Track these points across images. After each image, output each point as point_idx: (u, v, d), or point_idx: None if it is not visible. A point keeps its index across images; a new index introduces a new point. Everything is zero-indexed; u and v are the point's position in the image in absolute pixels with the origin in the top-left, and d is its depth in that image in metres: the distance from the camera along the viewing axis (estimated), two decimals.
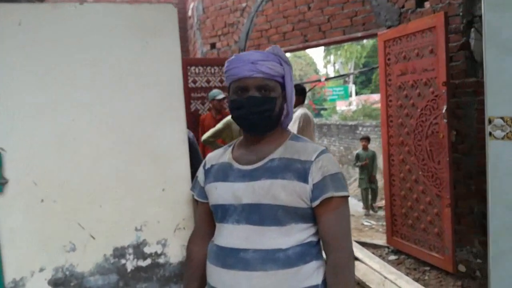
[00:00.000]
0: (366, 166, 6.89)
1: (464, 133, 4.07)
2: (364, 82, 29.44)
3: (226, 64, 1.41)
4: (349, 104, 24.83)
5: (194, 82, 5.49)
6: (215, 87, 5.55)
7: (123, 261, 1.60)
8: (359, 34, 4.88)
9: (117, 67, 1.55)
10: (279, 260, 1.28)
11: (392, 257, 4.44)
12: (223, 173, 1.41)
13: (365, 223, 6.16)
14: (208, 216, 1.51)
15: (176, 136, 1.63)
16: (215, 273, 1.36)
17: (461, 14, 3.96)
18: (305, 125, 4.24)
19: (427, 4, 4.24)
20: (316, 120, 19.17)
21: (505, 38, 1.05)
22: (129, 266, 1.61)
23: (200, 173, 1.53)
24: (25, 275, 1.53)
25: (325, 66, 31.26)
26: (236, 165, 1.40)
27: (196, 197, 1.54)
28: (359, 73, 22.58)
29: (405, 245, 4.38)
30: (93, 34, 1.52)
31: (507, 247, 1.03)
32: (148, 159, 1.61)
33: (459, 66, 4.05)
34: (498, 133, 1.00)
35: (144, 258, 1.62)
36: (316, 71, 32.52)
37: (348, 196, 1.35)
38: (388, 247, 4.66)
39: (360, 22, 4.82)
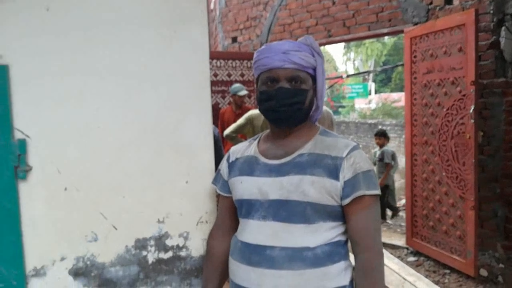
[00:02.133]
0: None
1: (490, 134, 3.96)
2: (384, 81, 29.10)
3: (255, 54, 1.36)
4: (368, 102, 24.57)
5: (215, 75, 5.46)
6: (236, 81, 5.51)
7: (144, 252, 1.58)
8: (385, 31, 4.79)
9: (143, 56, 1.51)
10: (307, 259, 1.24)
11: (411, 259, 4.36)
12: (249, 167, 1.38)
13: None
14: (230, 211, 1.48)
15: (201, 128, 1.59)
16: (240, 271, 1.32)
17: (491, 12, 3.85)
18: (328, 123, 4.19)
19: (456, 1, 4.13)
20: (335, 118, 19.01)
21: None
22: (150, 258, 1.59)
23: (224, 166, 1.49)
24: (46, 263, 1.52)
25: (345, 63, 30.97)
26: (263, 159, 1.36)
27: (218, 191, 1.51)
28: (380, 71, 22.30)
29: (425, 247, 4.30)
30: (120, 22, 1.49)
31: None
32: (173, 150, 1.57)
33: (487, 66, 3.94)
34: None
35: (166, 251, 1.60)
36: (336, 68, 32.24)
37: (379, 195, 1.30)
38: (407, 248, 4.59)
39: (386, 18, 4.72)
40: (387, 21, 4.71)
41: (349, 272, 1.30)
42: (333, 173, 1.26)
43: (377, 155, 6.35)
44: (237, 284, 1.32)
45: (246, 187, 1.35)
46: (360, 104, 25.08)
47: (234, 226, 1.46)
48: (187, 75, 1.55)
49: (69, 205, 1.51)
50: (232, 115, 5.02)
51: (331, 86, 22.20)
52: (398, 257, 4.39)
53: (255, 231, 1.31)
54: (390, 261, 4.02)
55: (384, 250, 4.04)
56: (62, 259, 1.52)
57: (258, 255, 1.27)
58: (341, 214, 1.29)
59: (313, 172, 1.26)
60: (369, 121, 14.34)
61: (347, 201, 1.25)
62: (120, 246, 1.56)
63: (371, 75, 27.65)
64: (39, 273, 1.51)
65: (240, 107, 5.03)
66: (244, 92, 4.92)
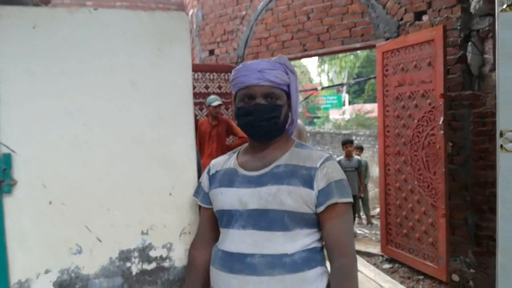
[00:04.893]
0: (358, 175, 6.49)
1: (460, 144, 4.14)
2: (357, 92, 29.63)
3: (233, 73, 1.44)
4: (342, 113, 24.98)
5: (193, 87, 5.51)
6: (213, 93, 5.57)
7: (128, 264, 1.61)
8: (358, 45, 4.95)
9: (129, 73, 1.56)
10: (286, 265, 1.31)
11: (386, 266, 4.47)
12: (229, 179, 1.44)
13: (358, 232, 6.19)
14: (211, 222, 1.53)
15: (185, 143, 1.65)
16: (221, 279, 1.38)
17: (459, 28, 4.05)
18: (298, 135, 4.35)
19: (425, 17, 4.32)
20: (309, 129, 19.27)
21: None
22: (134, 270, 1.62)
23: (204, 179, 1.55)
24: (30, 276, 1.53)
25: (319, 75, 31.40)
26: (242, 171, 1.43)
27: (199, 203, 1.56)
28: (354, 83, 22.73)
29: (399, 254, 4.43)
30: (107, 40, 1.53)
31: None
32: (157, 164, 1.62)
33: (456, 79, 4.12)
34: (510, 146, 1.03)
35: (149, 262, 1.63)
36: (310, 80, 32.66)
37: (352, 203, 1.38)
38: (382, 256, 4.71)
39: (359, 33, 4.89)
40: (359, 36, 4.88)
41: (325, 277, 1.36)
42: (308, 183, 1.33)
43: (351, 164, 6.31)
44: None
45: (226, 198, 1.41)
46: (334, 115, 25.48)
47: (215, 236, 1.51)
48: (172, 92, 1.61)
49: (54, 218, 1.53)
50: (209, 127, 5.07)
51: (306, 98, 22.49)
52: (374, 264, 4.50)
53: (235, 240, 1.37)
54: (366, 269, 4.12)
55: (360, 258, 4.13)
56: (47, 271, 1.54)
57: (239, 263, 1.33)
58: (316, 222, 1.36)
59: (289, 182, 1.34)
60: (344, 132, 14.60)
61: (321, 208, 1.33)
62: (104, 258, 1.59)
63: (344, 86, 28.12)
64: (23, 286, 1.52)
65: (215, 118, 5.09)
66: (217, 103, 4.98)
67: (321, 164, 1.36)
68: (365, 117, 19.45)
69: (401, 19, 4.51)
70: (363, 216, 6.91)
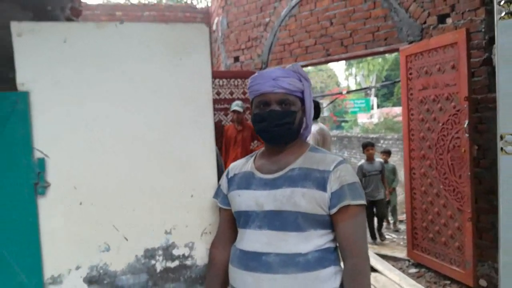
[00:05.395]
0: (386, 178, 6.33)
1: (485, 147, 4.08)
2: (386, 95, 29.26)
3: (249, 81, 1.51)
4: (370, 116, 24.69)
5: (218, 94, 5.63)
6: (238, 98, 5.68)
7: (153, 261, 1.71)
8: (381, 49, 4.95)
9: (152, 82, 1.66)
10: (299, 264, 1.36)
11: (413, 270, 4.44)
12: (246, 182, 1.51)
13: (386, 236, 6.14)
14: (230, 222, 1.60)
15: (205, 147, 1.73)
16: (238, 276, 1.45)
17: (483, 30, 4.00)
18: (322, 140, 4.36)
19: (449, 20, 4.30)
20: (336, 133, 19.16)
21: None
22: (159, 267, 1.71)
23: (223, 181, 1.63)
24: (62, 272, 1.65)
25: (347, 79, 31.20)
26: (258, 174, 1.49)
27: (219, 204, 1.64)
28: (381, 86, 22.46)
29: (425, 259, 4.39)
30: (131, 51, 1.64)
31: None
32: (179, 167, 1.71)
33: (481, 81, 4.07)
34: (510, 148, 1.06)
35: (173, 260, 1.72)
36: (338, 84, 32.47)
37: (365, 205, 1.43)
38: (408, 260, 4.67)
39: (382, 37, 4.89)
40: (383, 39, 4.88)
41: (339, 277, 1.41)
42: (321, 185, 1.39)
43: (374, 167, 6.09)
44: None
45: (244, 200, 1.49)
46: (362, 118, 25.22)
47: (234, 236, 1.58)
48: (192, 99, 1.70)
49: (84, 218, 1.65)
50: (234, 132, 5.17)
51: (331, 102, 22.34)
52: (400, 269, 4.47)
53: (252, 239, 1.44)
54: (392, 273, 4.11)
55: (385, 262, 4.12)
56: (78, 268, 1.66)
57: (255, 261, 1.40)
58: (329, 223, 1.42)
59: (303, 184, 1.40)
60: (371, 136, 14.44)
61: (334, 210, 1.38)
62: (130, 256, 1.69)
63: (373, 90, 27.80)
64: (56, 281, 1.64)
65: (240, 123, 5.18)
66: (236, 108, 5.06)
67: (334, 167, 1.41)
68: (393, 121, 19.18)
69: (424, 22, 4.49)
70: (392, 221, 6.81)
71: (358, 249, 1.39)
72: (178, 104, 1.69)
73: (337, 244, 1.46)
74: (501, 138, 1.11)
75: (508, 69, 1.13)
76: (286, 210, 1.39)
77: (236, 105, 5.11)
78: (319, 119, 4.57)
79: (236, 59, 6.48)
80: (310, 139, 4.43)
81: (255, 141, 5.45)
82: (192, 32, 1.68)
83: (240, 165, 1.61)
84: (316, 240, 1.40)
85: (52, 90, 1.61)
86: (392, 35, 4.78)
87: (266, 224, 1.42)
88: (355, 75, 29.59)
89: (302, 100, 1.51)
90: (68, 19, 2.51)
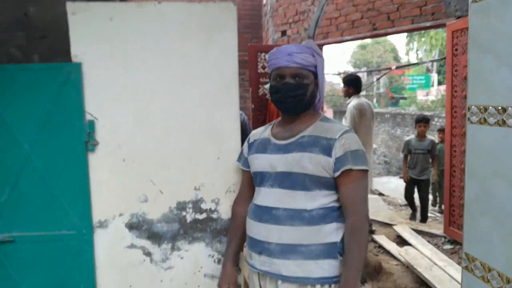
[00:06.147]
0: (438, 159, 5.85)
1: None
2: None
3: (268, 56, 1.69)
4: (426, 94, 23.78)
5: (263, 67, 5.79)
6: None
7: (184, 213, 1.97)
8: (428, 24, 4.87)
9: (185, 57, 1.88)
10: (305, 219, 1.55)
11: (448, 247, 4.48)
12: (263, 147, 1.71)
13: (429, 215, 6.09)
14: (250, 182, 1.81)
15: (230, 117, 1.94)
16: (253, 227, 1.66)
17: None
18: (359, 114, 4.40)
19: None
20: (390, 110, 18.64)
21: (483, 40, 1.21)
22: (189, 218, 1.97)
23: (245, 146, 1.84)
24: (108, 218, 1.94)
25: (407, 54, 30.03)
26: (274, 140, 1.68)
27: (241, 166, 1.85)
28: (432, 61, 21.45)
29: (461, 236, 4.40)
30: (167, 28, 1.86)
31: (477, 210, 1.20)
32: (207, 134, 1.94)
33: None
34: (474, 118, 1.17)
35: (201, 213, 1.97)
36: (397, 59, 31.30)
37: (366, 171, 1.58)
38: (444, 237, 4.70)
39: (429, 12, 4.81)
40: (430, 14, 4.79)
41: (340, 232, 1.58)
42: (327, 151, 1.55)
43: (422, 145, 5.71)
44: (251, 237, 1.66)
45: (260, 162, 1.69)
46: (421, 96, 24.32)
47: (252, 194, 1.79)
48: (219, 73, 1.91)
49: (127, 173, 1.92)
50: (272, 105, 5.33)
51: (380, 78, 21.65)
52: (435, 245, 4.52)
53: (265, 196, 1.64)
54: (424, 247, 4.17)
55: (419, 237, 4.18)
56: (120, 215, 1.95)
57: (266, 214, 1.61)
58: (334, 185, 1.58)
59: (311, 150, 1.57)
60: (426, 113, 14.03)
61: (337, 173, 1.54)
62: (165, 207, 1.96)
63: (435, 66, 26.62)
64: (102, 225, 1.94)
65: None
66: (264, 90, 5.08)
67: (340, 136, 1.57)
68: None
69: None
70: (439, 203, 6.49)
71: (358, 209, 1.55)
72: (208, 78, 1.90)
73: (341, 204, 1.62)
74: (469, 109, 1.21)
75: (477, 50, 1.22)
76: (295, 172, 1.58)
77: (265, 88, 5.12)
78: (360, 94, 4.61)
79: (284, 33, 6.57)
80: (347, 113, 4.52)
81: None
82: (221, 11, 1.87)
83: (259, 132, 1.81)
84: (321, 199, 1.58)
85: (101, 61, 1.87)
86: (440, 9, 4.68)
87: (278, 184, 1.61)
88: (417, 50, 28.41)
89: (315, 74, 1.66)
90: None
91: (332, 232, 1.57)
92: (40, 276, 1.96)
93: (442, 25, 4.76)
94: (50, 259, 1.95)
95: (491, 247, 1.19)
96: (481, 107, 1.17)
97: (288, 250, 1.54)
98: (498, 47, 1.16)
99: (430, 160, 5.82)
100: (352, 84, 4.61)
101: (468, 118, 1.20)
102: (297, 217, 1.56)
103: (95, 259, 1.95)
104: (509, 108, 1.11)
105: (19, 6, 2.76)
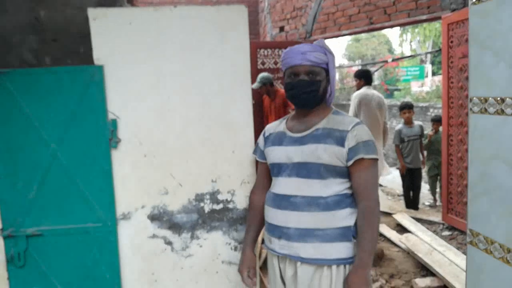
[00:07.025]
0: (436, 150, 5.79)
1: None
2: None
3: (282, 55, 1.80)
4: (421, 85, 23.92)
5: (263, 63, 5.91)
6: (280, 69, 5.89)
7: (202, 204, 2.09)
8: (424, 17, 5.00)
9: (201, 56, 2.00)
10: (321, 205, 1.68)
11: (446, 233, 4.63)
12: (279, 139, 1.83)
13: (426, 203, 6.24)
14: (266, 173, 1.94)
15: (244, 111, 2.07)
16: (272, 213, 1.79)
17: None
18: (361, 105, 4.58)
19: None
20: (386, 101, 18.70)
21: (482, 38, 1.34)
22: (206, 208, 2.10)
23: (261, 140, 1.96)
24: (131, 210, 2.07)
25: (401, 45, 30.12)
26: (289, 133, 1.81)
27: (257, 159, 1.97)
28: (427, 53, 21.58)
29: (459, 222, 4.56)
30: (183, 29, 1.98)
31: (480, 190, 1.34)
32: (223, 128, 2.06)
33: None
34: (475, 108, 1.30)
35: (218, 203, 2.10)
36: (391, 51, 31.40)
37: (377, 159, 1.71)
38: (443, 224, 4.86)
39: (425, 5, 4.93)
40: (426, 8, 4.92)
41: (354, 217, 1.71)
42: (340, 142, 1.68)
43: (413, 131, 5.69)
44: (270, 223, 1.79)
45: (277, 154, 1.81)
46: (416, 87, 24.45)
47: (268, 184, 1.91)
48: (233, 70, 2.03)
49: (148, 167, 2.04)
50: (268, 101, 5.43)
51: (377, 70, 21.76)
52: (434, 231, 4.67)
53: (283, 185, 1.77)
54: (424, 234, 4.32)
55: (418, 224, 4.31)
56: (143, 207, 2.07)
57: (285, 201, 1.73)
58: (347, 173, 1.71)
59: (326, 141, 1.69)
60: (421, 104, 14.18)
61: (350, 162, 1.67)
62: (184, 199, 2.08)
63: (428, 57, 26.76)
64: (126, 217, 2.06)
65: (272, 94, 5.33)
66: (256, 85, 5.13)
67: (352, 128, 1.70)
68: None
69: None
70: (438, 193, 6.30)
71: (370, 194, 1.68)
72: (222, 75, 2.02)
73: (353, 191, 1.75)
74: (470, 100, 1.34)
75: (477, 47, 1.35)
76: (311, 162, 1.70)
77: (256, 81, 5.16)
78: (371, 86, 4.81)
79: (281, 29, 6.68)
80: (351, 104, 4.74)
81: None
82: (233, 13, 1.99)
83: (274, 126, 1.93)
84: (335, 186, 1.70)
85: (122, 63, 1.98)
86: (435, 3, 4.81)
87: (295, 173, 1.74)
88: (410, 41, 28.51)
89: (327, 71, 1.78)
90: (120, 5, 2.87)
91: (346, 217, 1.70)
92: (68, 267, 2.08)
93: (438, 18, 4.89)
94: (76, 250, 2.07)
95: (493, 222, 1.32)
96: (482, 98, 1.31)
97: (306, 234, 1.67)
98: (497, 44, 1.29)
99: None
100: (361, 76, 4.81)
101: (470, 109, 1.33)
102: (313, 203, 1.68)
103: (119, 249, 2.08)
104: (507, 98, 1.24)
105: (30, 10, 2.86)
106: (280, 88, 5.63)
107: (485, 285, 1.35)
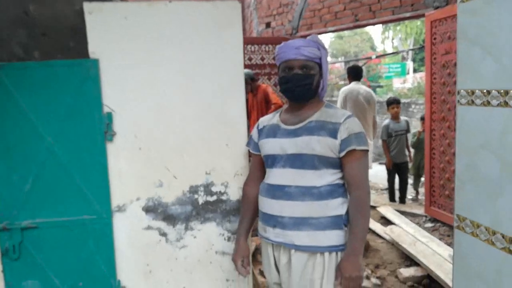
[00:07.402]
0: (421, 149, 5.75)
1: None
2: (424, 59, 28.40)
3: (276, 50, 1.86)
4: (403, 81, 24.27)
5: (250, 59, 5.95)
6: (269, 64, 5.95)
7: (196, 196, 2.13)
8: (408, 15, 5.11)
9: (196, 52, 2.03)
10: (314, 195, 1.74)
11: (429, 225, 4.76)
12: (273, 132, 1.88)
13: (408, 197, 6.37)
14: (259, 165, 1.99)
15: (238, 106, 2.11)
16: (266, 203, 1.84)
17: None
18: (346, 99, 4.75)
19: None
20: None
21: (470, 34, 1.42)
22: (200, 200, 2.14)
23: (254, 132, 2.01)
24: (126, 202, 2.10)
25: (383, 42, 30.47)
26: (283, 126, 1.86)
27: (251, 151, 2.02)
28: (410, 50, 21.91)
29: (441, 214, 4.70)
30: (179, 25, 2.01)
31: (466, 177, 1.43)
32: (217, 122, 2.10)
33: None
34: (463, 100, 1.37)
35: (212, 195, 2.14)
36: (373, 48, 31.74)
37: (367, 150, 1.78)
38: (426, 216, 4.99)
39: (409, 3, 5.04)
40: (410, 5, 5.02)
41: (345, 206, 1.78)
42: (333, 134, 1.74)
43: (400, 126, 5.75)
44: (265, 212, 1.85)
45: (271, 146, 1.86)
46: (397, 84, 24.79)
47: (262, 175, 1.97)
48: (227, 66, 2.07)
49: (143, 160, 2.08)
50: (251, 97, 5.41)
51: (362, 65, 22.01)
52: (417, 223, 4.80)
53: (277, 176, 1.82)
54: (408, 226, 4.44)
55: (402, 217, 4.42)
56: (138, 199, 2.10)
57: (279, 191, 1.79)
58: (339, 164, 1.78)
59: (319, 133, 1.76)
60: (403, 101, 14.40)
61: (342, 153, 1.74)
62: (178, 191, 2.12)
63: (410, 54, 27.13)
64: (121, 209, 2.09)
65: (255, 89, 5.27)
66: None
67: (344, 120, 1.77)
68: None
69: None
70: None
71: (361, 184, 1.75)
72: (217, 69, 2.06)
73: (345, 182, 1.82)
74: (458, 93, 1.43)
75: (465, 42, 1.43)
76: (305, 153, 1.76)
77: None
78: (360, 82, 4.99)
79: (268, 25, 6.73)
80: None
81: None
82: (228, 8, 2.03)
83: (268, 119, 1.98)
84: (328, 177, 1.77)
85: (117, 57, 2.01)
86: (419, 0, 4.91)
87: (289, 164, 1.79)
88: (392, 39, 28.84)
89: (320, 66, 1.84)
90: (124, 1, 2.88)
91: (338, 206, 1.76)
92: (63, 259, 2.10)
93: (421, 16, 5.00)
94: (72, 242, 2.09)
95: (478, 207, 1.41)
96: (469, 90, 1.38)
97: (300, 223, 1.73)
98: (484, 40, 1.37)
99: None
100: (349, 72, 5.03)
101: (458, 101, 1.40)
102: (307, 193, 1.74)
103: (115, 241, 2.11)
104: (493, 91, 1.32)
105: (19, 4, 2.84)
106: (262, 83, 5.66)
107: (472, 267, 1.43)
